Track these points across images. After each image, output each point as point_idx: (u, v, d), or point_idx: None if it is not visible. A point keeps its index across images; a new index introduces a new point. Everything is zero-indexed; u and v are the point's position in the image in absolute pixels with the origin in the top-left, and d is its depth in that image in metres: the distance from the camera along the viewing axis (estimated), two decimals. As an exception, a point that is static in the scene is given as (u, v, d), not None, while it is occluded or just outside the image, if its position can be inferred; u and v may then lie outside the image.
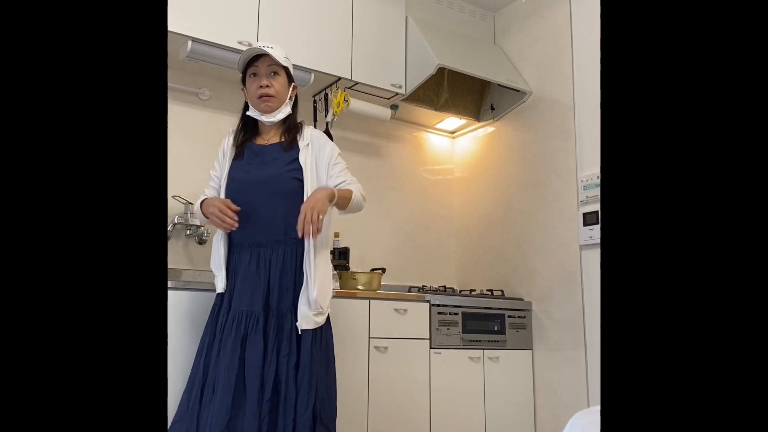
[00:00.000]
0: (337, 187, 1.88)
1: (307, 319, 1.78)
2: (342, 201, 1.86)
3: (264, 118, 1.92)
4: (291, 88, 1.97)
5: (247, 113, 1.95)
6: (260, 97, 1.89)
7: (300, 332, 1.79)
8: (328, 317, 1.88)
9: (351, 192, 1.89)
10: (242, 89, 1.98)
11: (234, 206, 1.80)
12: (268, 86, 1.89)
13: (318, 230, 1.73)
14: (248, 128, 1.97)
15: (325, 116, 2.90)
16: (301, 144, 1.92)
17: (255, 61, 1.92)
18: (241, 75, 1.97)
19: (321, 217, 1.73)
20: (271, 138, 1.94)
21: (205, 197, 1.94)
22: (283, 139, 1.93)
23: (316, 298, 1.79)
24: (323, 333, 1.86)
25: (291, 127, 1.95)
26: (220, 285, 1.84)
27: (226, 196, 1.88)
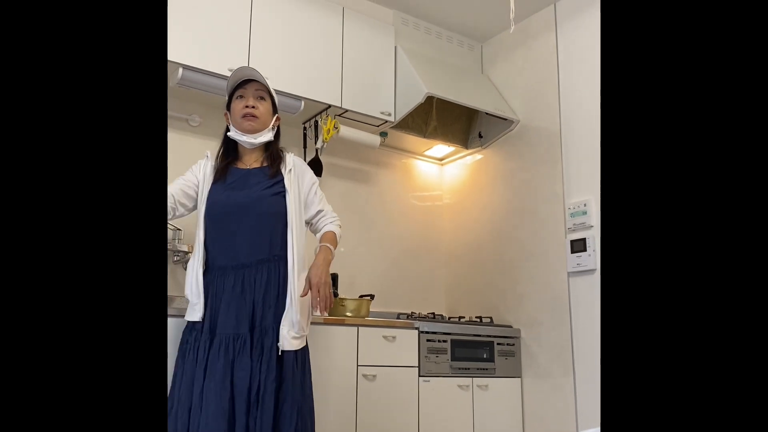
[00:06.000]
0: (318, 221, 2.01)
1: (288, 340, 1.80)
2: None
3: (245, 139, 1.93)
4: (274, 118, 2.00)
5: (228, 134, 1.97)
6: (244, 116, 1.91)
7: (281, 352, 1.79)
8: (306, 339, 1.90)
9: (335, 235, 1.99)
10: (225, 114, 2.01)
11: None
12: (254, 107, 1.93)
13: (331, 305, 1.84)
14: (230, 152, 1.99)
15: (315, 143, 2.91)
16: (284, 169, 1.96)
17: (244, 85, 1.96)
18: (227, 99, 2.00)
19: (329, 291, 1.84)
20: (252, 163, 1.97)
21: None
22: (265, 164, 1.96)
23: (299, 320, 1.82)
24: (303, 353, 1.88)
25: (274, 155, 1.98)
26: (198, 314, 1.81)
27: (208, 220, 1.88)
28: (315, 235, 2.04)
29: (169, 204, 1.91)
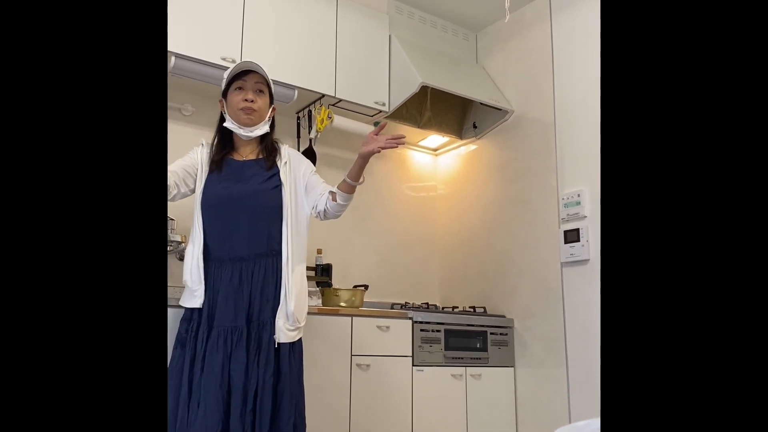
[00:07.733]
0: (326, 191, 1.93)
1: (284, 332, 1.81)
2: (353, 188, 1.93)
3: (242, 132, 1.92)
4: (270, 109, 1.98)
5: (224, 125, 1.94)
6: (243, 109, 1.90)
7: (277, 345, 1.79)
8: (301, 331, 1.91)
9: None
10: (220, 101, 1.98)
11: None
12: (253, 101, 1.90)
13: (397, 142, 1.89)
14: (225, 142, 1.97)
15: (309, 133, 2.90)
16: (280, 162, 1.95)
17: (243, 76, 1.93)
18: (223, 87, 1.97)
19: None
20: (248, 154, 1.96)
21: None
22: (260, 156, 1.95)
23: (293, 312, 1.82)
24: (300, 346, 1.89)
25: (269, 147, 1.97)
26: (198, 300, 1.81)
27: (205, 211, 1.87)
28: (329, 206, 1.93)
29: (171, 180, 1.85)
